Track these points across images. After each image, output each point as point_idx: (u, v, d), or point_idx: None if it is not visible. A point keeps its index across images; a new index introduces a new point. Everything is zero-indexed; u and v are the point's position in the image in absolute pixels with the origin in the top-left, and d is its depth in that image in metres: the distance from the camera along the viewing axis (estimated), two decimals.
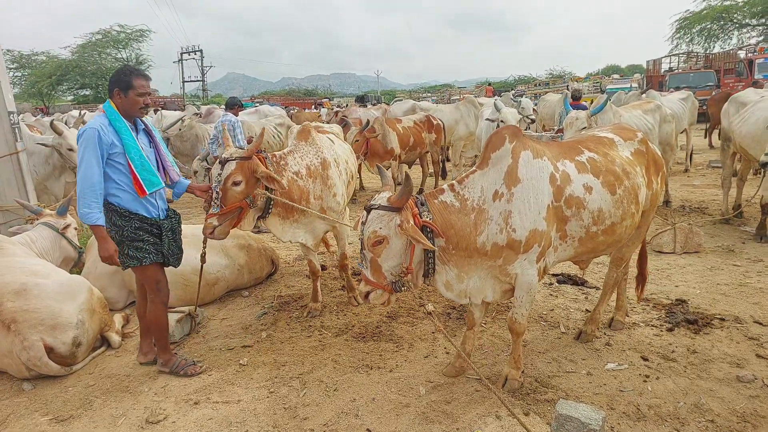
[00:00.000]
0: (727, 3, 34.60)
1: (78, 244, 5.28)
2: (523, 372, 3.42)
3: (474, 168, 3.19)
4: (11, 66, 41.81)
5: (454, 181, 3.18)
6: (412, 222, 2.84)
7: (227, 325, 4.48)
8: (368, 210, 2.91)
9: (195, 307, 4.32)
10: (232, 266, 4.96)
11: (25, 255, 4.32)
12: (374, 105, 20.71)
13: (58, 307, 3.70)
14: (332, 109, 18.58)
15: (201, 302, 4.75)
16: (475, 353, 3.79)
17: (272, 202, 3.77)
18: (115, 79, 3.28)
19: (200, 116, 13.08)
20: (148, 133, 3.52)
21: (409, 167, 9.90)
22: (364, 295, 2.97)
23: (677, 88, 19.08)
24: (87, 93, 45.19)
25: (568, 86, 26.95)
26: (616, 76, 36.05)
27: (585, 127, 6.56)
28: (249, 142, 7.70)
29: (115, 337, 4.14)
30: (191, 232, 4.71)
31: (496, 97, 10.91)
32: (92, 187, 3.15)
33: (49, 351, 3.59)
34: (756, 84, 12.96)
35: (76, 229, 5.29)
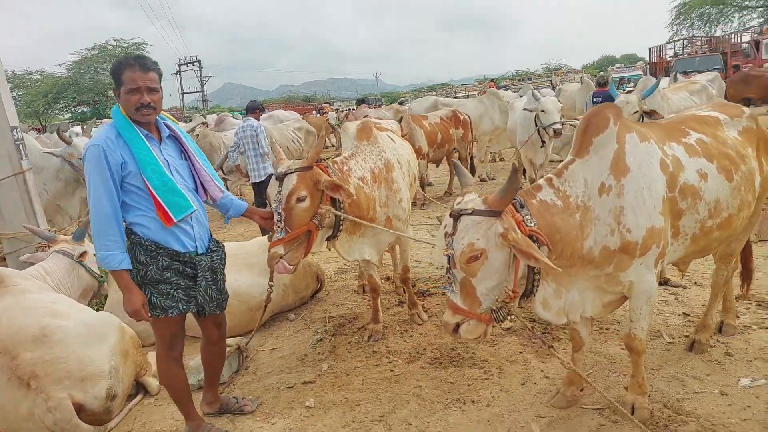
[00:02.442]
0: None
1: (98, 272, 4.73)
2: (649, 397, 2.87)
3: (571, 157, 2.63)
4: None
5: (551, 175, 2.62)
6: (518, 230, 2.25)
7: (279, 356, 3.91)
8: (456, 216, 2.26)
9: (249, 340, 3.76)
10: (276, 287, 4.39)
11: (40, 290, 3.74)
12: (378, 107, 20.20)
13: (86, 354, 3.11)
14: (342, 111, 18.04)
15: (243, 330, 4.20)
16: None
17: (342, 220, 3.19)
18: (111, 75, 2.60)
19: (206, 125, 12.58)
20: (178, 141, 2.79)
21: (437, 166, 9.39)
22: (452, 329, 2.31)
23: (685, 73, 18.67)
24: (85, 110, 44.38)
25: (582, 77, 26.64)
26: (620, 64, 35.60)
27: (636, 112, 6.05)
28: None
29: (152, 382, 3.56)
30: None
31: (528, 87, 10.36)
32: (107, 219, 2.47)
33: (79, 409, 2.98)
34: None
35: (95, 254, 4.73)
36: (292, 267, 2.96)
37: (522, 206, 2.35)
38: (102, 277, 4.71)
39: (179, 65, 57.22)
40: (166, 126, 2.76)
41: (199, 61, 56.53)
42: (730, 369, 3.18)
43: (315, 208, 3.05)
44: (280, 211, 2.94)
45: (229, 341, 3.73)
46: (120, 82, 2.52)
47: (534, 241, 2.27)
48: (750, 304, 3.99)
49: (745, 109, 3.24)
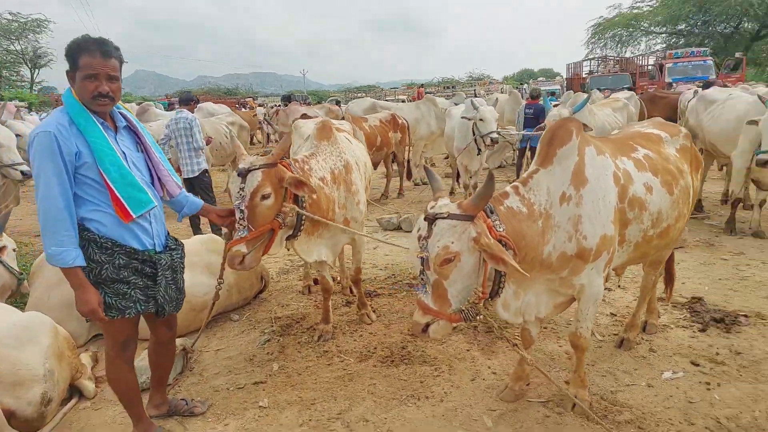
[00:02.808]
0: (636, 11, 37.04)
1: (17, 268, 4.39)
2: (589, 390, 3.11)
3: (536, 166, 2.81)
4: None
5: (517, 183, 2.78)
6: (490, 235, 2.36)
7: (226, 357, 3.82)
8: (431, 220, 2.35)
9: (195, 340, 3.64)
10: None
11: None
12: (307, 104, 20.01)
13: (17, 357, 2.88)
14: (271, 107, 17.65)
15: (185, 331, 4.07)
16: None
17: (303, 219, 3.16)
18: (66, 56, 2.35)
19: None
20: (134, 132, 2.62)
21: (375, 169, 9.45)
22: (421, 328, 2.38)
23: (599, 90, 20.00)
24: None
25: (519, 87, 27.72)
26: (542, 78, 37.47)
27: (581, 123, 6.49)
28: (207, 143, 6.94)
29: (89, 385, 3.36)
30: None
31: (464, 96, 10.68)
32: (59, 213, 2.27)
33: (10, 416, 2.77)
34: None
35: (14, 250, 4.39)
36: (254, 266, 2.92)
37: (492, 212, 2.47)
38: (22, 274, 4.39)
39: None
40: (122, 116, 2.59)
41: None
42: (655, 363, 3.51)
43: (279, 206, 3.00)
44: (243, 208, 2.86)
45: None
46: (76, 66, 2.33)
47: (503, 246, 2.40)
48: (667, 306, 4.39)
49: (682, 128, 3.57)
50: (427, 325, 2.39)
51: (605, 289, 4.78)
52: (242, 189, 2.88)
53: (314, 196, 3.13)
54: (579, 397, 3.00)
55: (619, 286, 4.86)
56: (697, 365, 3.45)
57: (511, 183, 2.79)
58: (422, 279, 2.39)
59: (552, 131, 2.79)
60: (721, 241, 6.22)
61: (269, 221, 2.95)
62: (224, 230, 3.11)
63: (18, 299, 4.43)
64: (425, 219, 2.38)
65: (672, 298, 4.20)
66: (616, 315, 4.28)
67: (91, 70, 2.32)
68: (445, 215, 2.34)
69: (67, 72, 2.38)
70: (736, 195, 6.50)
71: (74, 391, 3.37)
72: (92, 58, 2.32)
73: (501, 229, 2.42)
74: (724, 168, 8.29)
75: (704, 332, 3.90)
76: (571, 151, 2.74)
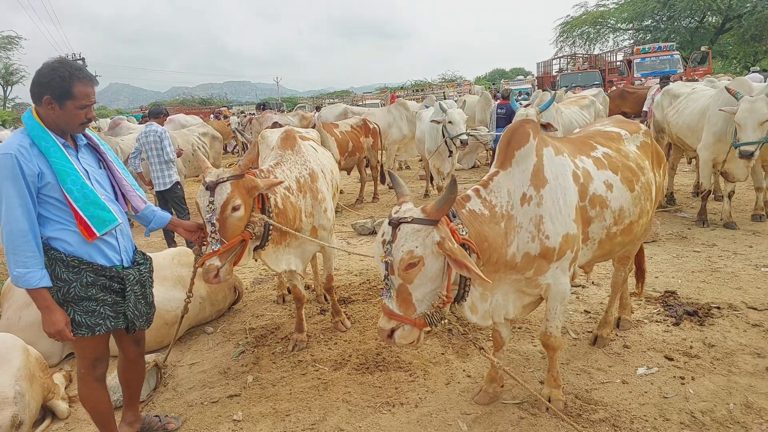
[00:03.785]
0: (602, 9, 37.71)
1: None
2: (562, 389, 3.11)
3: (495, 168, 2.81)
4: None
5: (478, 186, 2.78)
6: (454, 240, 2.35)
7: (200, 371, 3.76)
8: (395, 224, 2.33)
9: (166, 355, 3.57)
10: (193, 300, 4.21)
11: None
12: (281, 112, 19.93)
13: None
14: (244, 115, 17.52)
15: (158, 346, 4.00)
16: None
17: (270, 229, 3.13)
18: (46, 82, 2.32)
19: (99, 130, 11.72)
20: (95, 150, 2.63)
21: (348, 174, 9.46)
22: (386, 334, 2.37)
23: (569, 87, 20.25)
24: None
25: (491, 87, 27.85)
26: (520, 77, 37.84)
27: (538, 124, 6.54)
28: (179, 155, 6.84)
29: (61, 405, 3.29)
30: None
31: (434, 99, 10.69)
32: (23, 235, 2.27)
33: None
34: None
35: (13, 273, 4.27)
36: (228, 278, 2.88)
37: (454, 216, 2.46)
38: None
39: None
40: (83, 134, 2.58)
41: (83, 59, 52.31)
42: (629, 359, 3.53)
43: (248, 216, 2.99)
44: (214, 221, 2.84)
45: (145, 357, 3.54)
46: (70, 96, 2.35)
47: (465, 250, 2.39)
48: (640, 301, 4.44)
49: (642, 125, 3.62)
50: (393, 331, 2.37)
51: (579, 286, 4.85)
52: (212, 202, 2.86)
53: (280, 205, 3.09)
54: (553, 397, 3.01)
55: (593, 283, 4.90)
56: (671, 359, 3.48)
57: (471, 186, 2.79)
58: (387, 284, 2.36)
59: (509, 133, 2.80)
60: (693, 233, 6.32)
61: (240, 232, 2.94)
62: (194, 247, 3.08)
63: None
64: (389, 223, 2.36)
65: (644, 292, 4.24)
66: (590, 312, 4.31)
67: (87, 100, 2.40)
68: (409, 220, 2.32)
69: (46, 97, 2.35)
70: (706, 187, 6.62)
71: (47, 412, 3.30)
72: (86, 87, 2.39)
73: (464, 233, 2.41)
74: (693, 161, 8.45)
75: (678, 326, 3.94)
76: (529, 152, 2.75)
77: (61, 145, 2.39)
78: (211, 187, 2.88)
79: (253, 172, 3.11)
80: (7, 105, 41.62)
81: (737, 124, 5.48)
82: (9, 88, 42.77)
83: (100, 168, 2.63)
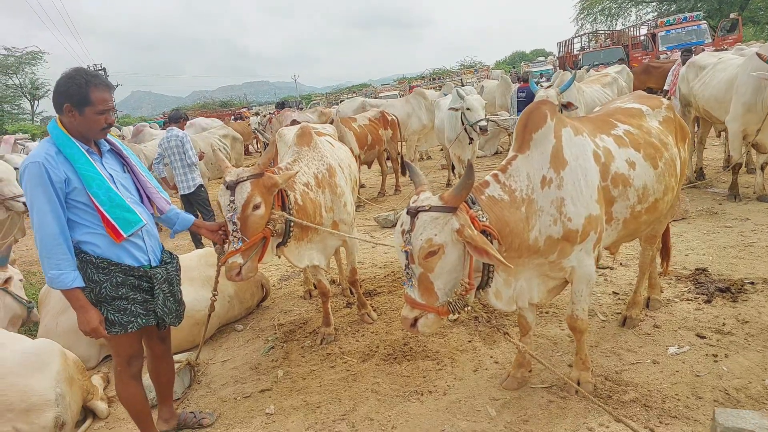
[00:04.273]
0: None
1: (26, 297, 4.46)
2: (591, 371, 3.09)
3: (514, 152, 2.79)
4: None
5: (496, 171, 2.76)
6: (473, 227, 2.34)
7: (232, 367, 3.85)
8: (413, 213, 2.33)
9: (198, 354, 3.67)
10: (221, 299, 4.29)
11: None
12: (300, 109, 20.02)
13: (28, 384, 2.96)
14: (264, 115, 17.68)
15: (190, 345, 4.10)
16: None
17: (291, 225, 3.18)
18: (64, 91, 2.43)
19: (123, 138, 11.99)
20: (119, 155, 2.73)
21: (369, 168, 9.47)
22: (410, 323, 2.38)
23: (592, 65, 19.80)
24: None
25: (511, 70, 27.39)
26: (541, 58, 37.16)
27: (555, 105, 6.44)
28: (200, 158, 6.96)
29: (101, 406, 3.42)
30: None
31: (453, 86, 10.60)
32: (54, 239, 2.38)
33: None
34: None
35: (21, 280, 4.46)
36: (251, 276, 2.94)
37: (474, 202, 2.45)
38: (31, 303, 4.45)
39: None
40: (106, 140, 2.69)
41: (104, 69, 53.44)
42: (659, 339, 3.47)
43: (269, 214, 3.04)
44: (235, 220, 2.90)
45: (177, 357, 3.65)
46: (88, 102, 2.44)
47: (487, 236, 2.38)
48: (670, 279, 4.35)
49: (664, 100, 3.53)
50: (416, 320, 2.38)
51: (606, 267, 4.79)
52: (232, 201, 2.92)
53: (300, 201, 3.14)
54: (582, 380, 2.99)
55: (620, 264, 4.83)
56: (703, 337, 3.41)
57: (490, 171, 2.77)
58: (408, 273, 2.38)
59: (526, 116, 2.76)
60: (725, 208, 6.15)
61: (261, 230, 2.99)
62: (216, 246, 3.16)
63: (31, 327, 4.51)
64: (407, 213, 2.37)
65: (674, 271, 4.16)
66: (618, 293, 4.25)
67: (105, 106, 2.48)
68: (427, 208, 2.32)
69: (67, 105, 2.44)
70: (736, 160, 6.42)
71: (88, 412, 3.44)
72: (103, 93, 2.48)
73: (484, 219, 2.41)
74: (722, 134, 8.20)
75: (710, 303, 3.86)
76: (547, 134, 2.71)
77: (85, 152, 2.49)
78: (232, 187, 2.94)
79: (271, 170, 3.15)
80: (35, 119, 42.95)
81: None
82: (36, 102, 44.07)
83: (125, 172, 2.73)
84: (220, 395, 3.50)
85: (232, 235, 2.92)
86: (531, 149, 2.71)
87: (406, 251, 2.35)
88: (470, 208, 2.43)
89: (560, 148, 2.71)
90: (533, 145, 2.71)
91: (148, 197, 2.79)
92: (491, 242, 2.41)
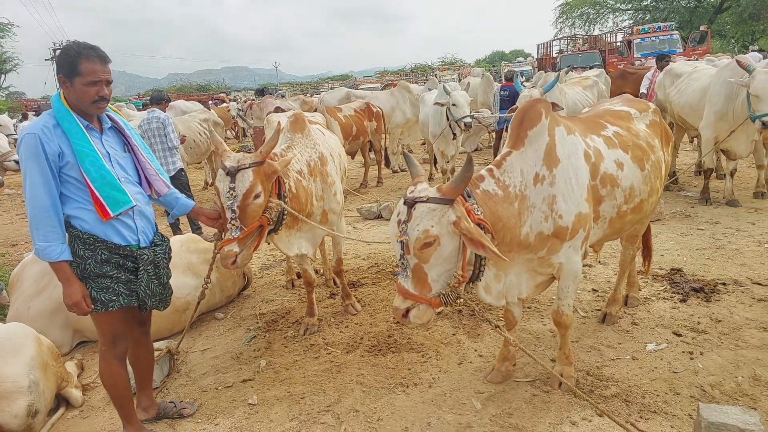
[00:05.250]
0: None
1: None
2: (574, 367, 3.15)
3: (508, 149, 2.81)
4: None
5: (491, 166, 2.78)
6: (469, 219, 2.35)
7: (212, 356, 3.79)
8: (410, 204, 2.32)
9: (179, 342, 3.60)
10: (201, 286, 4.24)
11: None
12: (282, 97, 19.79)
13: (0, 370, 2.86)
14: (244, 102, 17.40)
15: (169, 332, 4.03)
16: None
17: (285, 213, 3.14)
18: (58, 62, 2.45)
19: None
20: (120, 133, 2.69)
21: (352, 158, 9.42)
22: (401, 313, 2.37)
23: (570, 68, 20.10)
24: None
25: (490, 69, 27.50)
26: (521, 58, 37.44)
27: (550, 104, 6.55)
28: (182, 141, 6.82)
29: (75, 393, 3.32)
30: None
31: (437, 81, 10.57)
32: (45, 210, 2.39)
33: None
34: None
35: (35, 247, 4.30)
36: (245, 264, 2.90)
37: (469, 195, 2.46)
38: (0, 285, 4.30)
39: (54, 50, 51.76)
40: (108, 117, 2.65)
41: None
42: (638, 336, 3.56)
43: (267, 202, 3.01)
44: (234, 208, 2.85)
45: (157, 344, 3.57)
46: (77, 72, 2.41)
47: (481, 230, 2.40)
48: (647, 278, 4.46)
49: (651, 104, 3.61)
50: (408, 310, 2.39)
51: (586, 265, 4.87)
52: (232, 189, 2.86)
53: (293, 189, 3.11)
54: (565, 374, 3.04)
55: (599, 262, 4.93)
56: (680, 335, 3.52)
57: (485, 166, 2.79)
58: (402, 263, 2.38)
59: (522, 113, 2.79)
60: (697, 211, 6.34)
61: (258, 218, 2.96)
62: (214, 233, 3.10)
63: None
64: (404, 203, 2.36)
65: (650, 270, 4.27)
66: (597, 291, 4.34)
67: (95, 77, 2.43)
68: (425, 199, 2.32)
69: (60, 77, 2.46)
70: (708, 166, 6.62)
71: (61, 400, 3.33)
72: (93, 64, 2.43)
73: (479, 213, 2.42)
74: (695, 140, 8.43)
75: (685, 302, 3.98)
76: (541, 132, 2.74)
77: (83, 127, 2.47)
78: (232, 173, 2.87)
79: (271, 156, 3.10)
80: (1, 93, 41.43)
81: (755, 96, 5.38)
82: (3, 76, 42.51)
83: (125, 152, 2.69)
84: (201, 384, 3.44)
85: (230, 222, 2.86)
86: (525, 146, 2.74)
87: (401, 241, 2.35)
88: (466, 201, 2.43)
89: (553, 146, 2.74)
90: (528, 142, 2.74)
91: (146, 178, 2.75)
92: (485, 236, 2.42)
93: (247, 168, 2.89)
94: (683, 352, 3.32)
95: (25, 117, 17.13)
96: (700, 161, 7.32)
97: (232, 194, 2.85)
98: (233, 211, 2.86)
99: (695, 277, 4.38)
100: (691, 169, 8.07)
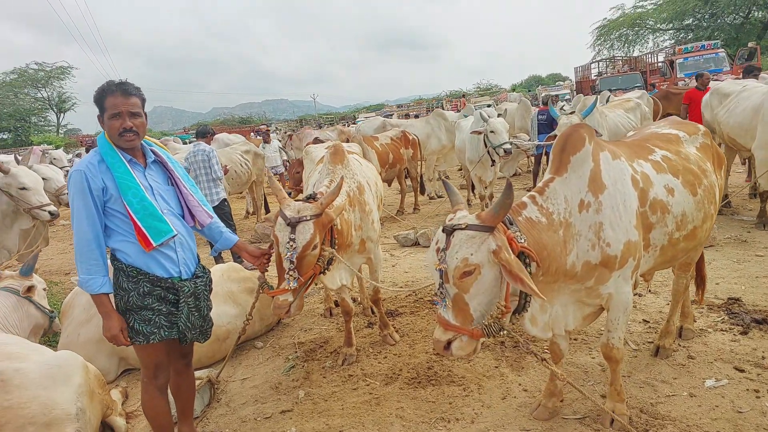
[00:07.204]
0: (640, 10, 36.84)
1: (48, 307, 4.43)
2: (627, 403, 2.97)
3: (551, 175, 2.72)
4: None
5: (533, 192, 2.70)
6: (510, 249, 2.25)
7: (252, 386, 3.77)
8: (449, 231, 2.27)
9: (219, 371, 3.60)
10: (242, 314, 4.24)
11: None
12: (319, 128, 20.11)
13: (49, 397, 2.87)
14: (285, 132, 17.77)
15: (210, 361, 4.04)
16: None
17: (334, 257, 3.16)
18: (95, 102, 2.57)
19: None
20: (164, 166, 2.75)
21: (389, 186, 9.44)
22: (443, 345, 2.28)
23: (610, 91, 19.76)
24: (5, 137, 41.95)
25: (523, 95, 27.39)
26: (559, 83, 37.22)
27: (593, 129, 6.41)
28: (225, 173, 6.98)
29: (119, 421, 3.35)
30: None
31: (473, 108, 10.56)
32: (88, 245, 2.47)
33: None
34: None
35: (45, 289, 4.44)
36: (298, 312, 2.94)
37: (511, 223, 2.38)
38: (53, 312, 4.42)
39: None
40: (152, 152, 2.73)
41: None
42: (695, 371, 3.34)
43: (321, 251, 3.02)
44: (293, 260, 2.84)
45: (198, 374, 3.57)
46: (103, 109, 2.52)
47: (525, 258, 2.31)
48: (702, 309, 4.22)
49: (700, 126, 3.47)
50: (449, 342, 2.30)
51: (636, 294, 4.66)
52: (292, 240, 2.85)
53: (339, 226, 3.16)
54: (617, 411, 2.87)
55: (650, 291, 4.71)
56: (742, 371, 3.28)
57: (527, 192, 2.71)
58: (441, 293, 2.30)
59: (564, 138, 2.70)
60: (754, 236, 6.02)
61: (313, 268, 2.98)
62: (259, 275, 3.15)
63: (51, 337, 4.48)
64: (443, 230, 2.31)
65: (705, 300, 4.04)
66: (649, 321, 4.13)
67: (115, 110, 2.50)
68: (464, 226, 2.26)
69: (98, 117, 2.58)
70: (764, 188, 6.30)
71: (106, 427, 3.36)
72: (114, 98, 2.51)
73: (522, 240, 2.33)
74: (747, 161, 8.07)
75: (746, 335, 3.73)
76: (585, 158, 2.65)
77: (126, 162, 2.55)
78: (293, 224, 2.87)
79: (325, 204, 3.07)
80: (59, 131, 44.08)
81: None
82: (62, 115, 45.31)
83: (168, 185, 2.75)
84: (240, 415, 3.42)
85: (287, 273, 2.84)
86: (569, 172, 2.65)
87: (440, 270, 2.28)
88: (507, 229, 2.36)
89: (598, 171, 2.64)
90: (571, 168, 2.65)
91: (189, 210, 2.79)
92: (530, 264, 2.34)
93: (308, 221, 2.88)
94: (747, 389, 3.09)
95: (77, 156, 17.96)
96: (755, 183, 7.00)
97: (291, 245, 2.84)
98: (292, 262, 2.85)
99: (756, 308, 4.11)
100: (744, 191, 7.72)
